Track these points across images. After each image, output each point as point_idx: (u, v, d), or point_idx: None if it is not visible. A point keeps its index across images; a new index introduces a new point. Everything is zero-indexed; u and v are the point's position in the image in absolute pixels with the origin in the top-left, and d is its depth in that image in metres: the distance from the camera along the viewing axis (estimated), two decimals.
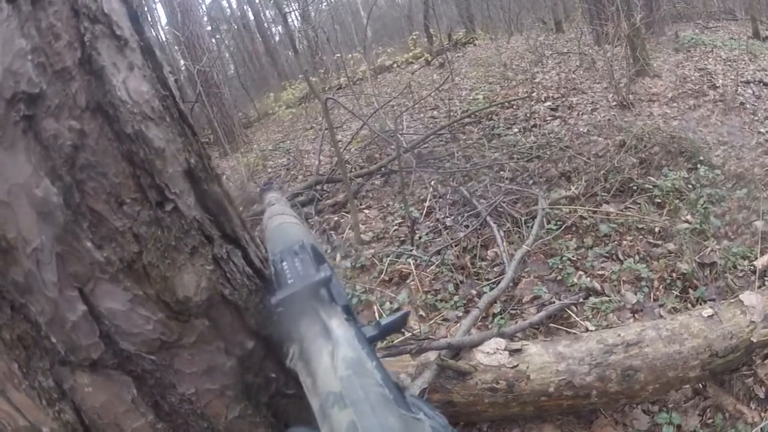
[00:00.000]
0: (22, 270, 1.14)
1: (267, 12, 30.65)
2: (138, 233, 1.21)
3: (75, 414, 1.27)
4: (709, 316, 3.53)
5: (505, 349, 3.45)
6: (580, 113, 9.86)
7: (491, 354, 3.43)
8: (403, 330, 4.48)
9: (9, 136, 1.09)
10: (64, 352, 1.21)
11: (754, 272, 4.87)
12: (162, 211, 1.24)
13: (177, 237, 1.27)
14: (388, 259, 6.03)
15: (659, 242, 5.57)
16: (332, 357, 0.99)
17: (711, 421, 3.58)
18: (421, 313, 5.10)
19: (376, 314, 5.19)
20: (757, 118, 8.94)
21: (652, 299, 4.78)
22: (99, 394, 1.26)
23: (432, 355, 3.43)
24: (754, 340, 3.45)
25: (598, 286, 4.95)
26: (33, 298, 1.17)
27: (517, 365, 3.36)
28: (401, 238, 6.61)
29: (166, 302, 1.26)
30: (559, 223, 6.00)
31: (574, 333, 4.25)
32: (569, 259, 5.39)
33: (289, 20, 30.01)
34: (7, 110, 1.09)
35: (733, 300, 3.74)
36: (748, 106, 9.38)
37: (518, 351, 3.44)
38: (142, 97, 1.23)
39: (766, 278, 4.74)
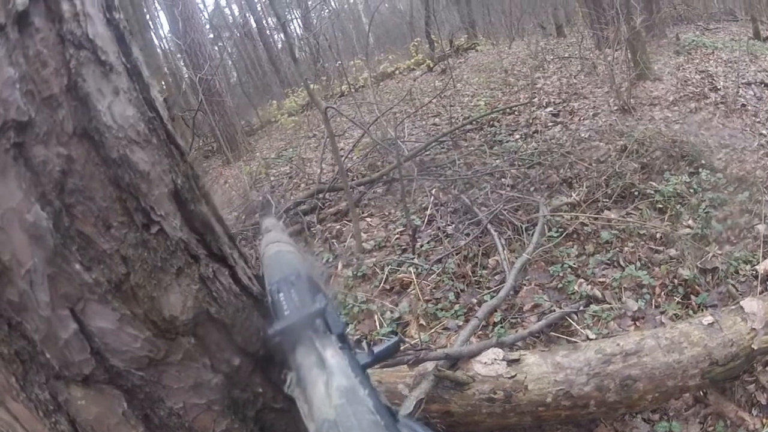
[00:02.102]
0: (17, 290, 1.17)
1: (269, 19, 30.69)
2: (125, 255, 1.24)
3: (70, 425, 1.31)
4: (709, 323, 3.51)
5: (503, 360, 3.44)
6: (582, 118, 9.86)
7: (489, 364, 3.42)
8: (402, 339, 4.49)
9: (0, 163, 1.12)
10: (58, 367, 1.25)
11: (756, 277, 4.85)
12: (148, 233, 1.27)
13: (163, 258, 1.30)
14: (389, 267, 6.04)
15: (661, 248, 5.56)
16: (327, 386, 1.02)
17: (712, 428, 3.57)
18: (422, 322, 5.09)
19: (377, 324, 5.19)
20: (758, 119, 8.93)
21: (653, 306, 4.77)
22: (92, 406, 1.30)
23: (430, 365, 3.42)
24: (755, 348, 3.43)
25: (599, 293, 4.94)
26: (28, 316, 1.20)
27: (514, 375, 3.35)
28: (402, 247, 6.61)
29: (154, 321, 1.29)
30: (560, 230, 5.99)
31: (575, 341, 4.24)
32: (570, 267, 5.38)
33: (291, 27, 30.15)
34: None
35: (733, 307, 3.73)
36: (749, 108, 9.37)
37: (516, 361, 3.43)
38: (127, 121, 1.25)
39: (767, 283, 4.72)
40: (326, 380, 1.04)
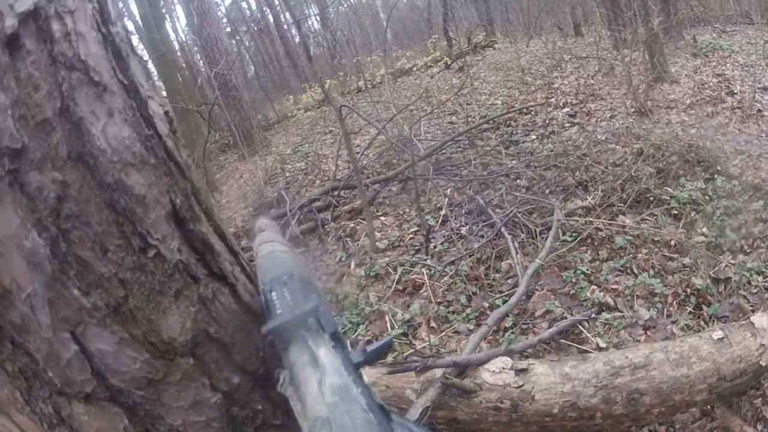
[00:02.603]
0: (19, 313, 1.18)
1: (286, 14, 30.66)
2: (123, 279, 1.24)
3: None
4: (719, 338, 3.50)
5: (511, 368, 3.45)
6: (599, 120, 9.83)
7: (497, 373, 3.43)
8: (412, 342, 4.49)
9: None
10: (60, 384, 1.26)
11: (767, 289, 4.83)
12: (145, 257, 1.26)
13: (161, 281, 1.30)
14: (402, 268, 6.05)
15: (675, 256, 5.54)
16: (320, 384, 1.03)
17: None
18: (433, 324, 5.10)
19: (388, 325, 5.20)
20: None
21: (665, 315, 4.76)
22: (94, 422, 1.31)
23: (437, 372, 3.44)
24: (763, 364, 3.41)
25: (611, 301, 4.93)
26: (30, 337, 1.21)
27: (522, 385, 3.35)
28: (416, 247, 6.63)
29: (152, 343, 1.29)
30: (574, 234, 5.98)
31: (585, 350, 4.25)
32: (583, 273, 5.37)
33: (308, 23, 30.11)
34: None
35: (744, 322, 3.72)
36: (765, 113, 9.30)
37: (524, 371, 3.43)
38: (122, 143, 1.24)
39: None
40: (319, 378, 1.05)
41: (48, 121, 1.15)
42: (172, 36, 21.83)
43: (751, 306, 4.65)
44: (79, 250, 1.19)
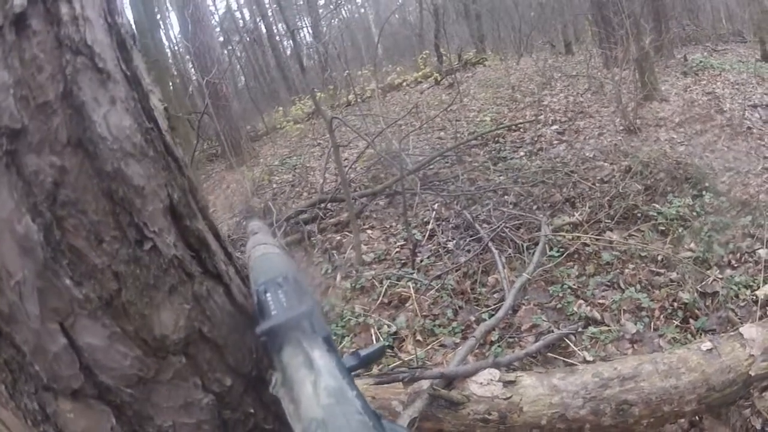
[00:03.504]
0: (7, 300, 1.15)
1: (279, 25, 30.75)
2: (117, 271, 1.20)
3: None
4: (708, 349, 3.50)
5: (499, 380, 3.43)
6: (587, 137, 9.87)
7: (485, 385, 3.41)
8: (398, 354, 4.48)
9: None
10: (46, 379, 1.22)
11: (756, 302, 4.84)
12: (141, 249, 1.23)
13: (155, 276, 1.25)
14: (389, 281, 6.04)
15: (662, 271, 5.55)
16: (315, 386, 1.03)
17: None
18: (419, 337, 5.10)
19: (373, 337, 5.19)
20: (763, 143, 8.91)
21: (652, 329, 4.77)
22: (80, 420, 1.27)
23: (425, 384, 3.42)
24: (753, 374, 3.41)
25: (598, 315, 4.95)
26: (17, 327, 1.17)
27: (510, 397, 3.34)
28: (402, 261, 6.63)
29: (144, 339, 1.25)
30: (561, 249, 6.00)
31: (572, 363, 4.24)
32: (570, 288, 5.38)
33: (300, 35, 30.19)
34: None
35: (733, 333, 3.72)
36: (755, 130, 9.36)
37: (512, 382, 3.42)
38: (123, 132, 1.20)
39: (767, 308, 4.72)
40: (314, 380, 1.04)
41: (49, 103, 1.11)
42: (165, 43, 21.89)
43: (739, 319, 4.66)
44: (74, 238, 1.15)
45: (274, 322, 1.21)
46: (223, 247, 1.53)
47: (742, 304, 4.93)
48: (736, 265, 5.56)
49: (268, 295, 1.32)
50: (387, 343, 4.98)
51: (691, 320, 4.84)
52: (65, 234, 1.14)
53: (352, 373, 1.19)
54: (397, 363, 4.39)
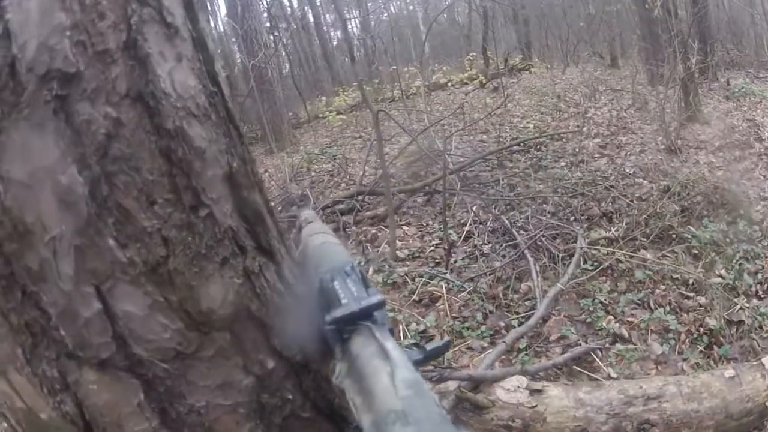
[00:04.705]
0: (38, 257, 1.06)
1: (327, 15, 30.68)
2: (167, 236, 1.11)
3: (76, 407, 1.19)
4: (730, 377, 3.55)
5: (526, 388, 3.48)
6: (628, 153, 9.84)
7: (511, 391, 3.46)
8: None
9: (38, 115, 1.02)
10: (71, 346, 1.11)
11: None
12: (195, 215, 1.14)
13: (208, 245, 1.17)
14: (421, 279, 6.07)
15: (691, 294, 5.58)
16: (391, 377, 0.99)
17: None
18: (446, 338, 5.10)
19: (401, 334, 5.22)
20: None
21: (676, 352, 4.79)
22: (104, 392, 1.17)
23: (452, 385, 3.45)
24: None
25: (625, 332, 4.97)
26: (46, 287, 1.08)
27: (535, 406, 3.38)
28: (436, 260, 6.66)
29: (188, 312, 1.17)
30: (595, 263, 6.03)
31: (596, 378, 4.28)
32: (601, 302, 5.41)
33: (349, 27, 30.11)
34: (39, 87, 1.01)
35: (755, 363, 3.76)
36: None
37: (539, 392, 3.47)
38: (187, 91, 1.14)
39: None
40: (390, 371, 0.99)
41: (109, 52, 1.05)
42: (211, 24, 21.89)
43: (762, 349, 4.69)
44: (123, 197, 1.07)
45: (347, 311, 1.15)
46: (276, 225, 1.44)
47: (765, 335, 4.96)
48: (763, 296, 5.58)
49: (336, 283, 1.25)
50: (410, 343, 4.99)
51: (714, 347, 4.87)
52: (114, 191, 1.06)
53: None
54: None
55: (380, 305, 1.17)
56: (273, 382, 1.32)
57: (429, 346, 1.20)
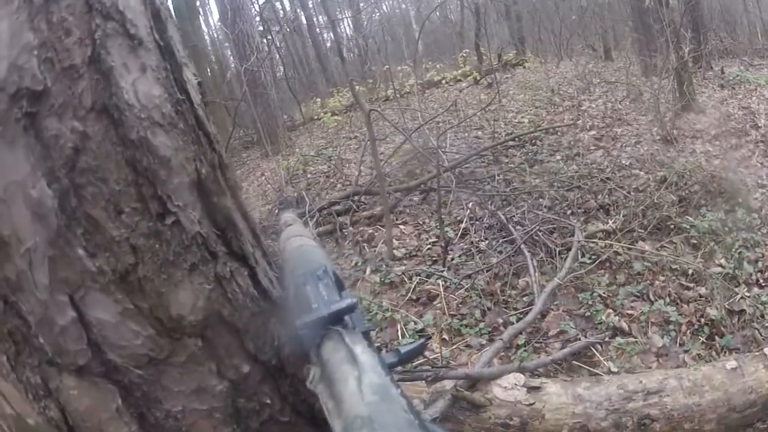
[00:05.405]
0: (15, 268, 1.11)
1: (320, 17, 30.72)
2: (135, 244, 1.15)
3: (60, 412, 1.25)
4: (732, 368, 3.50)
5: (523, 386, 3.44)
6: (624, 145, 9.81)
7: (508, 389, 3.43)
8: (423, 353, 4.48)
9: (10, 133, 1.07)
10: (51, 353, 1.17)
11: None
12: (162, 223, 1.18)
13: (176, 252, 1.20)
14: (418, 278, 6.05)
15: (691, 285, 5.55)
16: (359, 382, 0.99)
17: None
18: (445, 336, 5.10)
19: (399, 333, 5.21)
20: None
21: (677, 344, 4.76)
22: (84, 398, 1.22)
23: (448, 384, 3.43)
24: None
25: (625, 325, 4.94)
26: (24, 297, 1.14)
27: (533, 403, 3.35)
28: (433, 258, 6.63)
29: (159, 318, 1.20)
30: (593, 257, 5.99)
31: (597, 373, 4.24)
32: (600, 296, 5.38)
33: (340, 28, 30.14)
34: (10, 106, 1.06)
35: (757, 353, 3.71)
36: None
37: (536, 389, 3.43)
38: (151, 101, 1.18)
39: None
40: (358, 376, 1.00)
41: (75, 67, 1.09)
42: (204, 30, 21.95)
43: (764, 339, 4.65)
44: (91, 207, 1.11)
45: (317, 316, 1.16)
46: (252, 229, 1.47)
47: (767, 324, 4.92)
48: (764, 284, 5.55)
49: (307, 287, 1.28)
50: (408, 342, 4.97)
51: (716, 337, 4.84)
52: (82, 202, 1.11)
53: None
54: (422, 361, 4.41)
55: (351, 309, 1.18)
56: (249, 386, 1.35)
57: (403, 349, 1.20)
